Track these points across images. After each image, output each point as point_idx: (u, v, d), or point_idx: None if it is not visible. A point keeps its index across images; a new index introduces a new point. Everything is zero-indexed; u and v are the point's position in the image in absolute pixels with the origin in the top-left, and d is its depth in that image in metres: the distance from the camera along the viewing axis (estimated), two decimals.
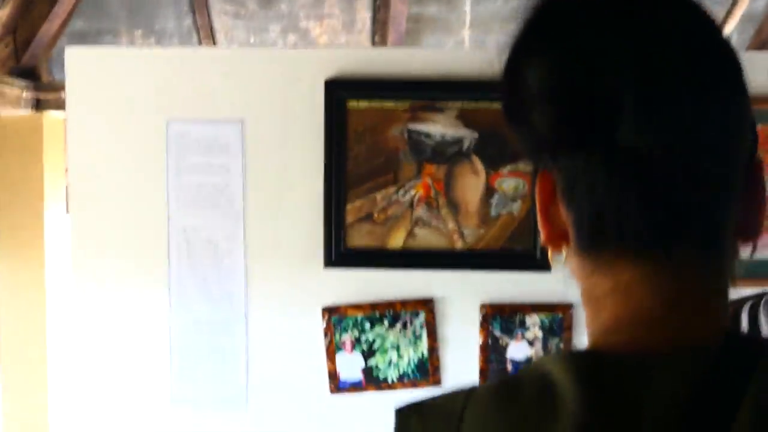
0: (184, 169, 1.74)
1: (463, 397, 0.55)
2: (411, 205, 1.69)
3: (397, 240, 1.70)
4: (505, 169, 1.68)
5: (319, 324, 1.72)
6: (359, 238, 1.70)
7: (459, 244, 1.69)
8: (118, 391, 1.76)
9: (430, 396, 0.58)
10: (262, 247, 1.74)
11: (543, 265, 1.66)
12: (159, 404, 1.76)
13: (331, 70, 1.70)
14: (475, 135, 1.68)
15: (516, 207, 1.69)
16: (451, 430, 0.54)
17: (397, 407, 0.56)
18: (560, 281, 1.70)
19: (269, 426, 1.75)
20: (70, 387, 2.40)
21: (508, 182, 1.69)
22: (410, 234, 1.70)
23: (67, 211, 2.41)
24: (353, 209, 1.70)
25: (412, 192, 1.69)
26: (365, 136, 1.69)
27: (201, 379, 1.75)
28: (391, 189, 1.69)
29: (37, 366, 2.42)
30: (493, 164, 1.68)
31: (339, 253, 1.69)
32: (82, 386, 1.77)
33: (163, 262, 1.74)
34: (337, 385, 1.73)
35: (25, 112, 2.51)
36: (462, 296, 1.72)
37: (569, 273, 0.59)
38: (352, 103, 1.69)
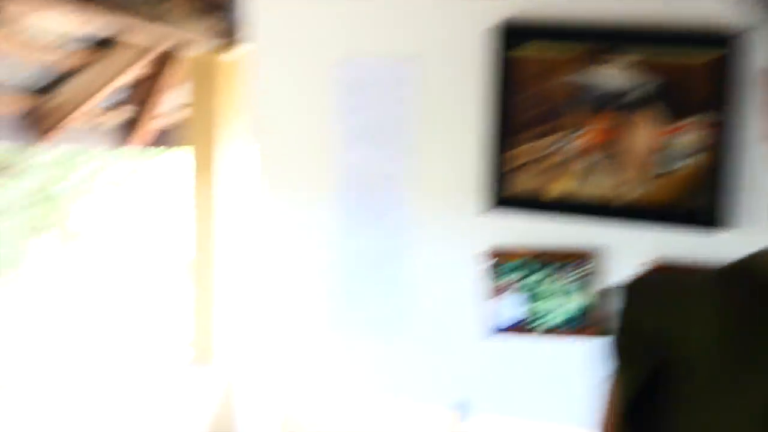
0: (356, 104, 1.79)
1: (693, 276, 0.54)
2: (578, 153, 1.66)
3: (560, 188, 1.67)
4: (683, 122, 1.60)
5: (480, 265, 1.75)
6: (523, 183, 1.69)
7: (625, 197, 1.64)
8: (284, 313, 1.89)
9: (651, 274, 0.57)
10: (427, 185, 1.78)
11: (714, 224, 1.58)
12: (320, 328, 1.87)
13: (504, 14, 1.68)
14: (652, 85, 1.60)
15: (690, 162, 1.60)
16: (683, 305, 0.54)
17: (633, 278, 0.56)
18: (731, 241, 1.61)
19: (425, 359, 1.81)
20: (240, 305, 2.59)
21: (684, 136, 1.60)
22: (575, 183, 1.67)
23: (247, 142, 2.56)
24: (518, 154, 1.68)
25: (580, 140, 1.65)
26: (535, 80, 1.66)
27: (361, 307, 1.84)
28: (558, 136, 1.66)
29: (205, 285, 2.62)
30: (669, 116, 1.60)
31: (501, 197, 1.70)
32: (251, 308, 1.91)
33: (333, 193, 1.83)
34: (493, 327, 1.75)
35: (211, 47, 2.66)
36: (626, 250, 1.67)
37: None
38: (524, 48, 1.66)
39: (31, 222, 9.08)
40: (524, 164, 1.68)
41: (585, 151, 1.65)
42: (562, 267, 1.70)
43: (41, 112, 3.77)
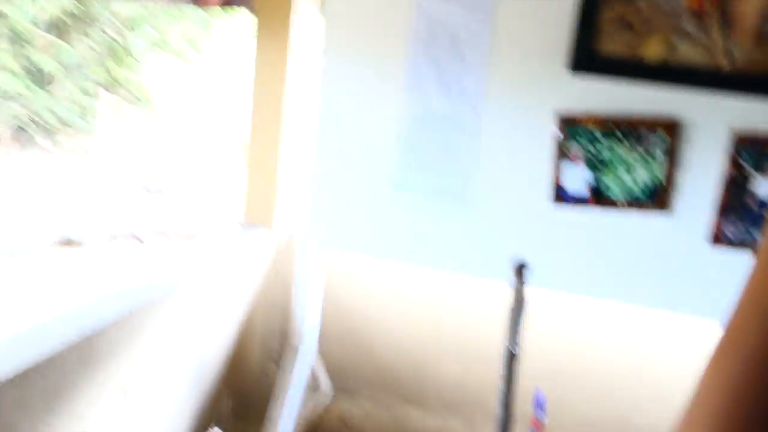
0: None
1: None
2: (677, 14, 1.54)
3: (653, 52, 1.56)
4: None
5: (552, 130, 1.68)
6: (611, 44, 1.58)
7: (724, 65, 1.53)
8: (347, 171, 1.87)
9: None
10: (506, 45, 1.68)
11: None
12: (383, 188, 1.85)
13: None
14: None
15: None
16: None
17: None
18: None
19: (487, 223, 1.79)
20: (302, 163, 2.60)
21: None
22: (670, 47, 1.55)
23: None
24: (610, 14, 1.57)
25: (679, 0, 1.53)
26: None
27: (426, 169, 1.81)
28: None
29: (272, 143, 2.63)
30: None
31: (586, 57, 1.59)
32: (314, 162, 1.89)
33: (405, 51, 1.76)
34: (560, 195, 1.71)
35: None
36: (713, 122, 1.58)
37: None
38: None
39: (99, 78, 9.22)
40: (619, 24, 1.57)
41: (687, 11, 1.53)
42: (640, 137, 1.61)
43: None
